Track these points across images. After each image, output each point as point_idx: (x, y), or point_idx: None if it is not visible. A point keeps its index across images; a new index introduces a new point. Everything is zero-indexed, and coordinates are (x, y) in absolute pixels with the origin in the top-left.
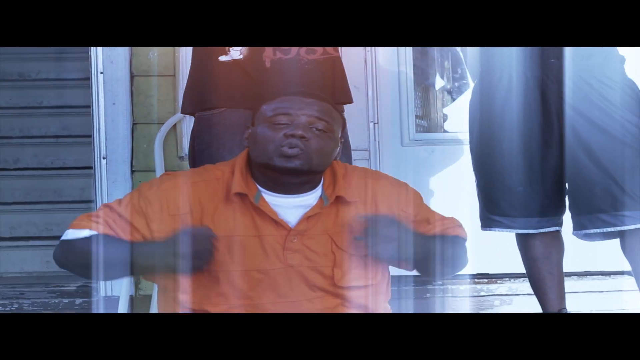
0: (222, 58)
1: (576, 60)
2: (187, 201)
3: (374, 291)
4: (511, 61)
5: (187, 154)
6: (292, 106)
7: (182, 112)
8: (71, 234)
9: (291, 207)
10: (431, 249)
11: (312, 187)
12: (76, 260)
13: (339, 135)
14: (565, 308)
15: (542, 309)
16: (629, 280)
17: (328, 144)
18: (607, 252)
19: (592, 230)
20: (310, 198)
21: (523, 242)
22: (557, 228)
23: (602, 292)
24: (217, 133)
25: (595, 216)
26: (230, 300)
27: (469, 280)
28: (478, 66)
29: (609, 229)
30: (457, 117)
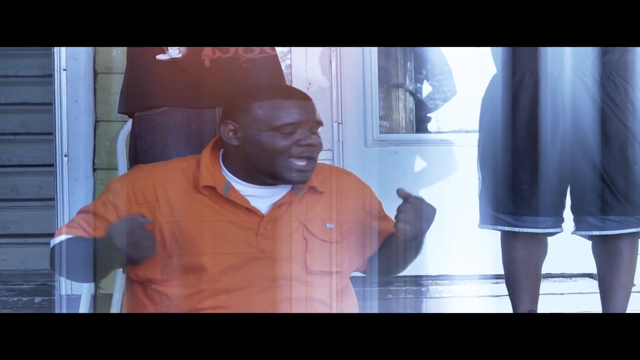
0: (160, 57)
1: (590, 57)
2: (152, 189)
3: (339, 279)
4: (523, 59)
5: (128, 156)
6: (295, 112)
7: (119, 112)
8: (51, 242)
9: (262, 197)
10: (392, 243)
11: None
12: (58, 266)
13: None
14: (534, 310)
15: (513, 309)
16: (590, 283)
17: (320, 146)
18: (568, 255)
19: (580, 233)
20: (281, 189)
21: (506, 241)
22: (557, 230)
23: (562, 294)
24: (160, 133)
25: (582, 218)
26: (201, 284)
27: (430, 281)
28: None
29: (595, 233)
30: (419, 117)
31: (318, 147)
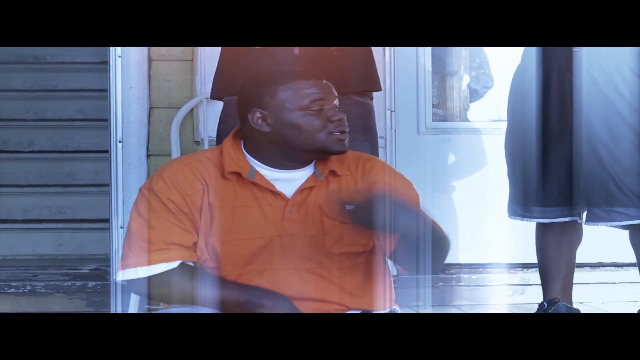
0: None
1: (601, 50)
2: (195, 179)
3: (368, 259)
4: (536, 50)
5: (215, 137)
6: (320, 90)
7: (211, 97)
8: (142, 271)
9: (287, 181)
10: (416, 228)
11: (306, 163)
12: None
13: None
14: (558, 298)
15: (543, 296)
16: None
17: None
18: (620, 243)
19: (590, 224)
20: (304, 173)
21: (538, 229)
22: (572, 218)
23: (614, 283)
24: None
25: (590, 210)
26: (233, 267)
27: (481, 270)
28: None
29: (600, 224)
30: (476, 106)
31: (344, 120)
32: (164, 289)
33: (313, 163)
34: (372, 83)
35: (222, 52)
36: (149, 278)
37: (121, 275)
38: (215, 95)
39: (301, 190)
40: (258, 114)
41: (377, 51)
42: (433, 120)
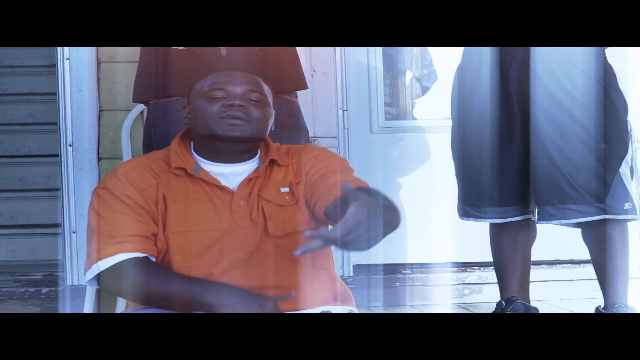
0: (177, 46)
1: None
2: (148, 175)
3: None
4: (481, 48)
5: (142, 142)
6: (225, 80)
7: (133, 101)
8: (99, 265)
9: (232, 175)
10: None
11: (251, 156)
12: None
13: (271, 107)
14: (515, 297)
15: (500, 295)
16: None
17: (264, 112)
18: (576, 241)
19: (542, 222)
20: (249, 166)
21: (492, 228)
22: (525, 217)
23: (571, 280)
24: (175, 120)
25: (543, 208)
26: (188, 260)
27: (438, 269)
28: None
29: (554, 222)
30: (426, 104)
31: (249, 109)
32: (125, 281)
33: (258, 155)
34: (298, 82)
35: (141, 54)
36: (111, 270)
37: (88, 274)
38: (138, 98)
39: (247, 181)
40: (185, 111)
41: (328, 50)
42: (386, 119)
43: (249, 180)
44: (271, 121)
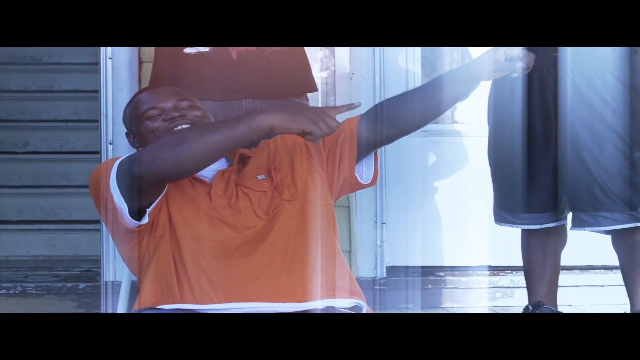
0: (188, 50)
1: (580, 53)
2: None
3: (302, 204)
4: None
5: None
6: (152, 99)
7: None
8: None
9: (206, 171)
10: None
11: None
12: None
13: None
14: (543, 302)
15: (528, 300)
16: None
17: (202, 112)
18: (609, 247)
19: (575, 229)
20: (218, 165)
21: (523, 232)
22: (559, 223)
23: (603, 286)
24: None
25: (576, 215)
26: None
27: (470, 272)
28: None
29: (586, 229)
30: (465, 108)
31: (188, 116)
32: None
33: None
34: (308, 84)
35: (156, 58)
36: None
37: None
38: None
39: (221, 174)
40: (130, 137)
41: (367, 53)
42: None
43: (222, 174)
44: (212, 117)
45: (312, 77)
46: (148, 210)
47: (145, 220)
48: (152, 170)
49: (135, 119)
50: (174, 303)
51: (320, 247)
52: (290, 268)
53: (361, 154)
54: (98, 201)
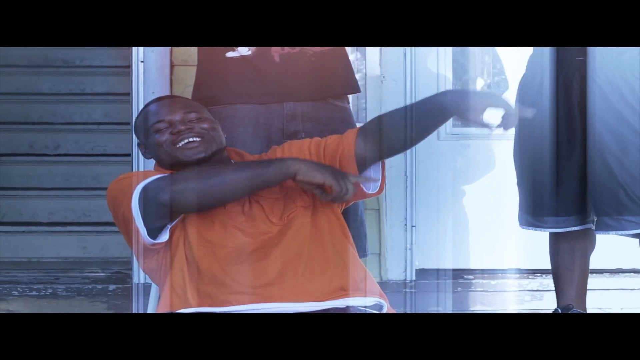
0: (230, 54)
1: (605, 57)
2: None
3: (314, 211)
4: (542, 59)
5: None
6: (160, 112)
7: None
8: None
9: None
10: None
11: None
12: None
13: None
14: (572, 305)
15: (557, 303)
16: None
17: (210, 124)
18: (639, 250)
19: (600, 232)
20: None
21: (551, 236)
22: (584, 226)
23: (633, 289)
24: (229, 127)
25: (600, 219)
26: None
27: (500, 275)
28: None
29: (611, 233)
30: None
31: (195, 128)
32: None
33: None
34: (350, 86)
35: (199, 63)
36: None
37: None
38: None
39: None
40: (141, 147)
41: (398, 56)
42: (453, 126)
43: None
44: (220, 128)
45: (355, 78)
46: (169, 226)
47: (164, 238)
48: (179, 199)
49: (144, 131)
50: (189, 307)
51: (334, 250)
52: (306, 270)
53: (362, 168)
54: (116, 216)
